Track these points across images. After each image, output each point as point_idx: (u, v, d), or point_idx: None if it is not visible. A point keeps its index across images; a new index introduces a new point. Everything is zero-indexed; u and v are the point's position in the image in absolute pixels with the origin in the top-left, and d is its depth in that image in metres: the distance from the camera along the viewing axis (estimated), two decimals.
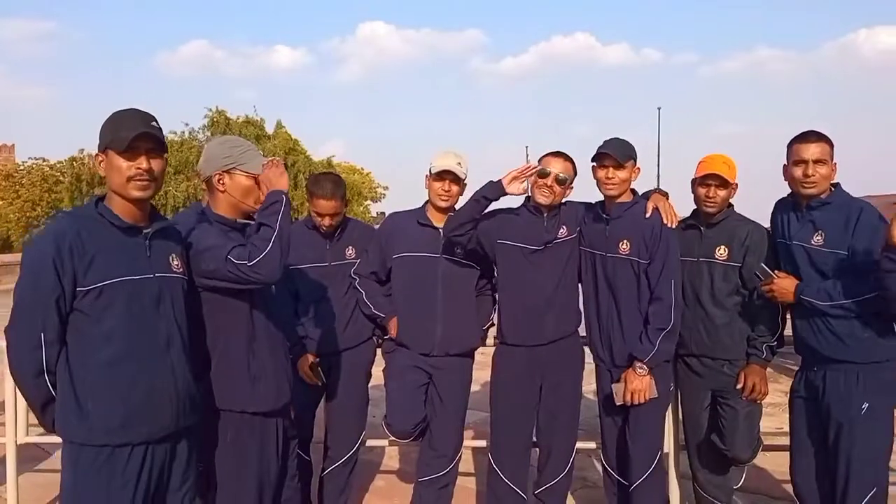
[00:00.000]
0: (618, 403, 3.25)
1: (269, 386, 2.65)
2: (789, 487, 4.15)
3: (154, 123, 2.28)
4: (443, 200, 3.53)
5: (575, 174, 3.41)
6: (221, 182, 2.62)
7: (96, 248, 2.19)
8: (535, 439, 3.58)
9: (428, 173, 3.57)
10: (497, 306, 3.62)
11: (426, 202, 3.63)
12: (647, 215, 3.28)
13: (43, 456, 4.94)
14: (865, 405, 2.95)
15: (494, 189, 3.32)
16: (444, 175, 3.50)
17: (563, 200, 3.47)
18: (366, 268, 3.65)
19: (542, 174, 3.34)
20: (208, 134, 35.55)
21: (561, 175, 3.34)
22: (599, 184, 3.33)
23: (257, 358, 2.62)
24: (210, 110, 36.91)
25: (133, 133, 2.20)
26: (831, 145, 3.12)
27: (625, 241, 3.29)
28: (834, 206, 3.08)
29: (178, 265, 2.40)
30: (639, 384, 3.19)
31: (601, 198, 3.41)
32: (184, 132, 36.16)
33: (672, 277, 3.21)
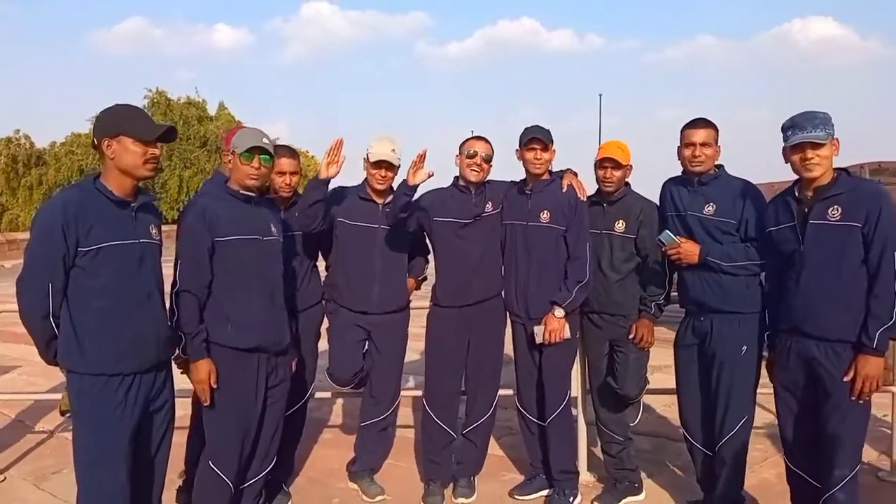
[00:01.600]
0: (537, 342, 3.79)
1: (249, 326, 3.24)
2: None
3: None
4: (379, 184, 3.96)
5: (493, 153, 3.96)
6: (229, 161, 3.37)
7: (94, 216, 2.69)
8: (463, 388, 4.10)
9: (365, 158, 3.97)
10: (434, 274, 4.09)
11: (365, 179, 4.04)
12: (563, 190, 3.83)
13: None
14: (745, 347, 3.52)
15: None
16: (380, 164, 3.92)
17: (487, 179, 3.98)
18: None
19: (471, 155, 3.85)
20: (149, 115, 34.98)
21: (487, 154, 3.88)
22: (527, 163, 3.87)
23: (237, 302, 3.23)
24: (150, 91, 36.39)
25: (161, 130, 2.83)
26: (717, 130, 3.67)
27: (545, 212, 3.83)
28: (721, 182, 3.64)
29: (156, 233, 2.95)
30: (556, 325, 3.75)
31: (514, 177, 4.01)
32: None
33: (587, 241, 3.81)
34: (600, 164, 3.85)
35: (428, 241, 4.12)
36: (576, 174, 3.99)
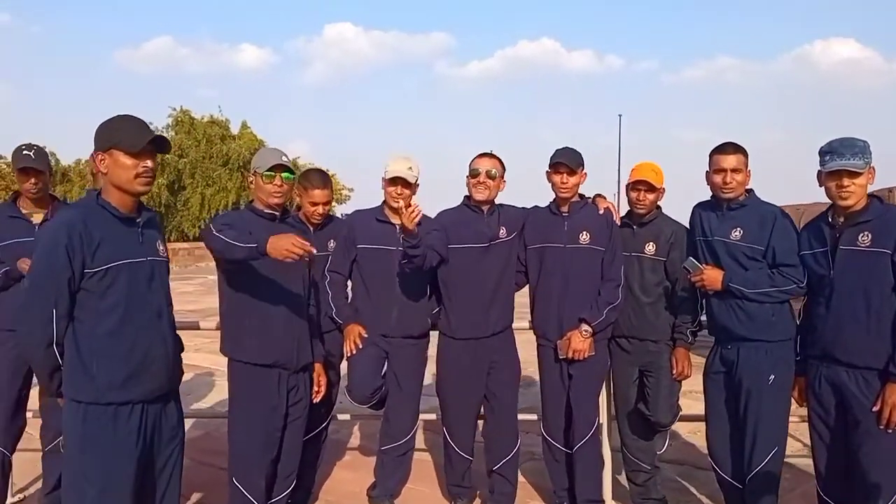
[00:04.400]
0: (560, 357, 3.75)
1: (269, 342, 3.24)
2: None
3: (151, 128, 2.73)
4: (396, 203, 3.86)
5: (504, 169, 3.89)
6: (251, 182, 3.41)
7: (101, 235, 2.55)
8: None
9: (383, 177, 3.93)
10: (443, 304, 3.97)
11: (383, 201, 4.00)
12: (601, 212, 3.83)
13: None
14: (772, 377, 3.43)
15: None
16: (395, 181, 3.87)
17: (499, 201, 3.94)
18: (337, 264, 4.01)
19: (474, 174, 3.81)
20: (172, 133, 35.41)
21: (492, 171, 3.81)
22: (554, 186, 3.83)
23: (257, 317, 3.22)
24: (174, 110, 36.82)
25: (147, 138, 2.60)
26: (746, 155, 3.60)
27: (585, 233, 3.79)
28: (750, 208, 3.57)
29: (163, 250, 2.85)
30: (580, 344, 3.70)
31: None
32: None
33: (621, 264, 3.77)
34: (633, 186, 3.81)
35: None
36: (604, 198, 3.94)
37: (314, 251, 3.03)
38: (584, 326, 3.70)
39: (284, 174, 3.29)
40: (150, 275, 2.71)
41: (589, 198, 3.93)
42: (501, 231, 3.88)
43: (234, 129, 38.10)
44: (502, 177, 3.89)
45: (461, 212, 3.94)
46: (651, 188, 3.78)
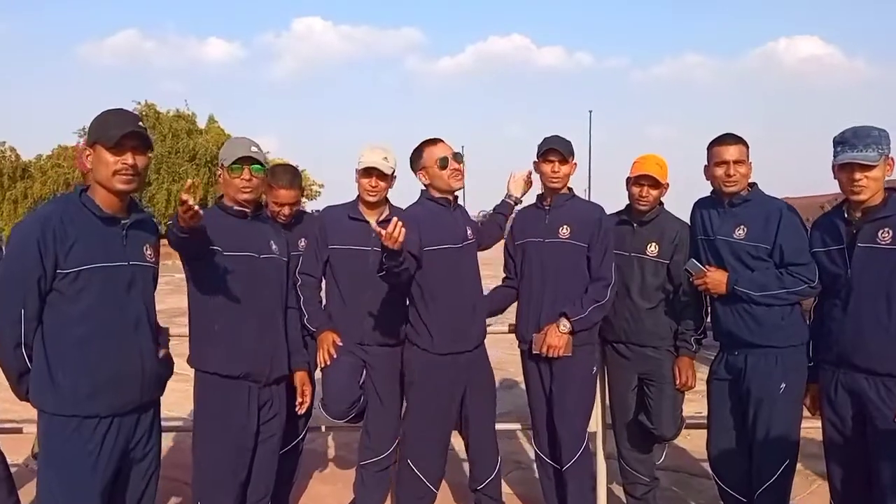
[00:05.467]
0: (534, 352, 3.45)
1: (238, 351, 2.95)
2: (705, 465, 4.46)
3: (140, 123, 2.53)
4: (370, 196, 3.61)
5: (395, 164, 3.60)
6: (219, 175, 3.10)
7: (77, 234, 2.39)
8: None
9: (357, 169, 3.64)
10: (416, 314, 3.47)
11: (357, 196, 3.71)
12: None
13: None
14: (783, 385, 3.21)
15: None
16: (370, 171, 3.59)
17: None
18: (308, 266, 3.69)
19: (443, 164, 3.40)
20: (132, 117, 34.59)
21: (459, 154, 3.47)
22: (544, 177, 3.54)
23: (225, 324, 2.94)
24: (139, 103, 35.99)
25: (123, 131, 2.43)
26: (747, 146, 3.37)
27: (565, 227, 3.49)
28: (754, 204, 3.34)
29: (150, 255, 2.63)
30: (556, 341, 3.37)
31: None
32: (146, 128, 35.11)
33: (612, 262, 3.47)
34: (636, 181, 3.54)
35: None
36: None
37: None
38: (563, 321, 3.37)
39: (254, 167, 2.99)
40: (130, 281, 2.52)
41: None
42: (468, 230, 3.55)
43: (201, 124, 37.41)
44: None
45: (427, 207, 3.48)
46: (655, 183, 3.53)
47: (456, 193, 3.54)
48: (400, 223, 2.88)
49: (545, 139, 3.54)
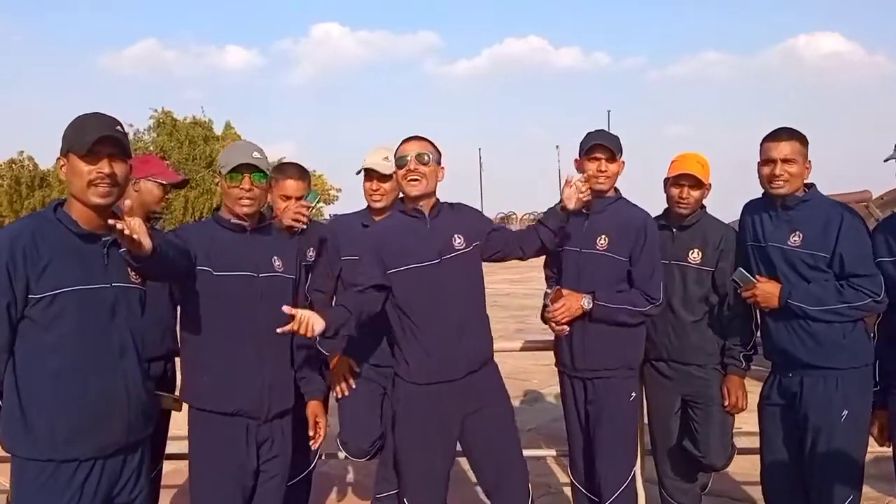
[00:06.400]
0: (545, 305, 3.09)
1: (230, 383, 2.60)
2: (749, 489, 4.12)
3: (119, 128, 2.24)
4: (374, 201, 3.29)
5: (439, 154, 2.98)
6: (217, 184, 2.80)
7: (51, 254, 2.12)
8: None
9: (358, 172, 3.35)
10: (395, 340, 3.04)
11: (367, 207, 3.40)
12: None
13: None
14: (845, 412, 2.87)
15: None
16: (369, 174, 3.27)
17: (449, 201, 3.09)
18: (319, 281, 3.38)
19: (401, 163, 2.89)
20: (154, 135, 34.70)
21: (423, 154, 2.87)
22: (588, 177, 3.11)
23: (218, 353, 2.61)
24: (155, 111, 36.07)
25: (95, 136, 2.14)
26: (804, 143, 3.03)
27: (603, 237, 3.12)
28: (811, 206, 3.00)
29: (136, 275, 2.31)
30: (571, 304, 3.02)
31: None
32: (126, 133, 35.13)
33: (660, 279, 3.11)
34: (675, 181, 3.21)
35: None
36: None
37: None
38: (588, 297, 3.02)
39: (255, 175, 2.63)
40: (113, 305, 2.23)
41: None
42: (456, 239, 2.94)
43: (218, 130, 37.45)
44: (439, 163, 2.96)
45: (396, 221, 3.01)
46: (697, 184, 3.19)
47: (428, 194, 2.95)
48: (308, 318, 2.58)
49: (589, 134, 3.18)
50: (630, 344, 3.16)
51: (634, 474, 3.22)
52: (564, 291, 3.06)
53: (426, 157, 2.88)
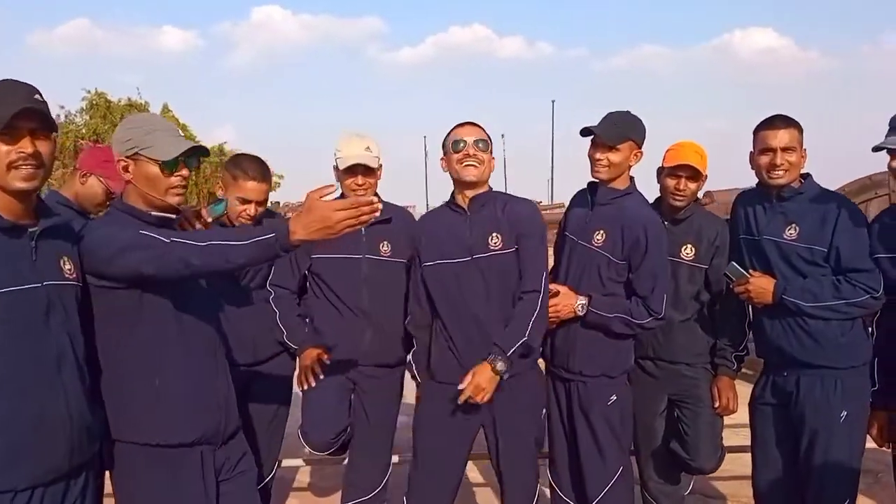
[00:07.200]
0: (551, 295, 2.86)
1: (187, 410, 2.16)
2: (721, 486, 4.00)
3: (38, 97, 1.88)
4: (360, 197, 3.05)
5: (492, 143, 2.91)
6: (126, 169, 2.16)
7: None
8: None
9: (335, 167, 3.08)
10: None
11: (340, 196, 3.04)
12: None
13: None
14: (844, 413, 2.76)
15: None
16: (354, 170, 3.02)
17: (510, 194, 2.98)
18: (282, 276, 3.13)
19: (457, 147, 2.79)
20: (86, 118, 33.33)
21: (480, 141, 2.81)
22: (591, 164, 2.94)
23: (168, 376, 2.14)
24: (88, 92, 34.65)
25: (12, 110, 1.79)
26: (800, 131, 2.89)
27: (601, 232, 2.89)
28: (808, 197, 2.86)
29: (70, 269, 1.98)
30: (564, 306, 2.83)
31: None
32: (58, 115, 33.64)
33: (663, 288, 2.85)
34: (672, 171, 3.02)
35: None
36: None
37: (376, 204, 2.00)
38: (582, 299, 2.84)
39: (190, 159, 2.19)
40: (47, 307, 1.90)
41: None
42: (493, 239, 2.82)
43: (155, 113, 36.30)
44: (492, 152, 2.89)
45: (438, 214, 3.02)
46: (695, 175, 3.01)
47: (483, 188, 2.87)
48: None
49: (602, 119, 2.93)
50: (615, 354, 2.94)
51: (621, 477, 2.98)
52: (561, 290, 2.86)
53: (484, 145, 2.83)
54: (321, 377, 3.01)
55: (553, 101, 36.52)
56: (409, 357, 3.04)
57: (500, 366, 2.67)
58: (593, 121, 2.90)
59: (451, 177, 2.90)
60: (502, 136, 24.35)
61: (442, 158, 2.93)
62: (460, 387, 2.67)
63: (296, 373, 3.18)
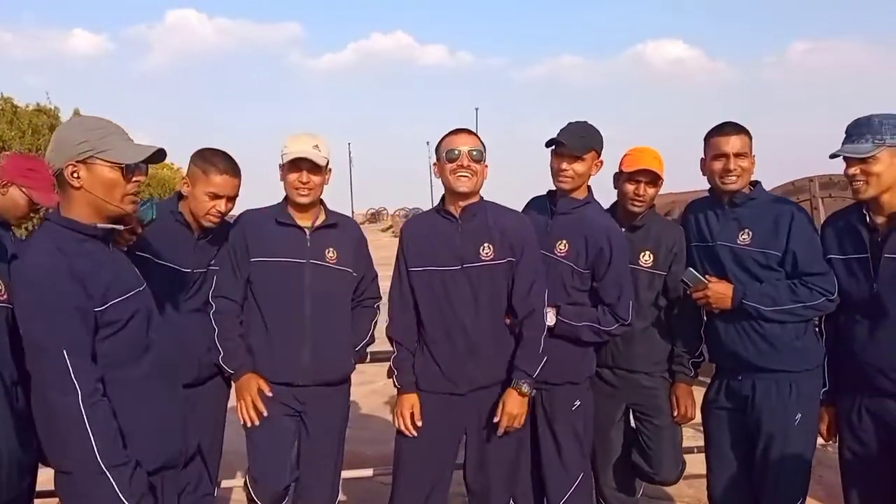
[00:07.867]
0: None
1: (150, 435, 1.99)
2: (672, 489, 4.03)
3: None
4: (302, 195, 2.89)
5: (486, 150, 2.85)
6: (76, 175, 1.93)
7: None
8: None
9: (280, 164, 2.95)
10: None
11: (285, 198, 3.00)
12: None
13: None
14: (799, 415, 2.80)
15: None
16: (299, 164, 2.89)
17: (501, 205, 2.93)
18: (225, 286, 2.93)
19: (451, 157, 2.73)
20: None
21: (474, 150, 2.76)
22: (553, 174, 2.94)
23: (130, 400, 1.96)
24: None
25: None
26: (751, 137, 2.94)
27: (563, 242, 2.89)
28: (759, 203, 2.91)
29: (1, 290, 1.83)
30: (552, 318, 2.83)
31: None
32: None
33: (628, 298, 2.88)
34: (632, 177, 3.00)
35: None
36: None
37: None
38: (551, 313, 2.83)
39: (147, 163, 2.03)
40: None
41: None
42: (484, 249, 2.78)
43: (65, 119, 34.80)
44: (486, 162, 2.84)
45: (430, 220, 2.94)
46: (655, 179, 3.00)
47: (475, 199, 2.83)
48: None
49: (562, 128, 2.94)
50: (579, 360, 2.96)
51: (581, 483, 3.01)
52: None
53: (479, 154, 2.77)
54: (264, 413, 2.86)
55: (477, 109, 37.00)
56: (391, 363, 2.92)
57: (525, 388, 2.71)
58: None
59: (444, 185, 2.83)
60: (427, 143, 24.29)
61: (434, 164, 2.87)
62: (496, 420, 2.70)
63: (232, 396, 3.02)
